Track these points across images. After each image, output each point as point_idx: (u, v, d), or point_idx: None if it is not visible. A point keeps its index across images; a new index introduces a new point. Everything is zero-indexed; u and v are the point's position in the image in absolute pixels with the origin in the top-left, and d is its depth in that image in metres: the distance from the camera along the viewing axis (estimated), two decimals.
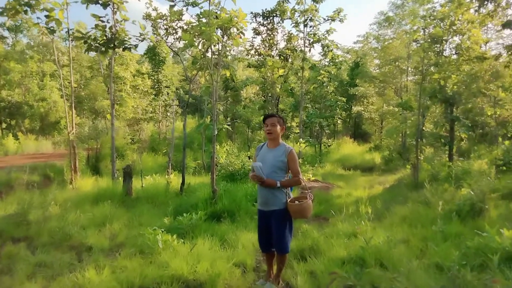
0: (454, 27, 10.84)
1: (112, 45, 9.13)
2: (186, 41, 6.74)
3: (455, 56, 11.51)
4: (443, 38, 10.77)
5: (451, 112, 9.39)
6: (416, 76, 24.52)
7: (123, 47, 9.08)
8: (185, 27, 7.55)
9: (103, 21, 9.03)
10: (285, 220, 3.67)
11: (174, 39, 8.32)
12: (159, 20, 8.22)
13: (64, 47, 28.60)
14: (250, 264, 4.39)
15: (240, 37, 6.63)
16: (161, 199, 7.76)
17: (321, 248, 4.62)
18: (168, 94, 24.08)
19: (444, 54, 11.51)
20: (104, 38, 9.11)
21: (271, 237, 3.74)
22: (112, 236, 5.42)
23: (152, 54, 22.27)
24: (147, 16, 8.48)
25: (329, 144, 22.74)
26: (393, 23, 26.18)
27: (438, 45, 10.94)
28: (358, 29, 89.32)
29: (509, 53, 14.59)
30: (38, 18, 8.57)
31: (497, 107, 16.92)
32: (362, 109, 29.15)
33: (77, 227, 5.44)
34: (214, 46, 7.55)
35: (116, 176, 9.40)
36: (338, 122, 28.10)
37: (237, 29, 6.81)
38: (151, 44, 22.50)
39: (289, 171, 3.72)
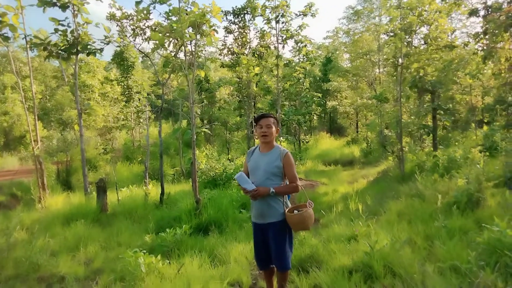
0: (422, 17, 10.84)
1: (75, 50, 8.46)
2: (156, 42, 6.22)
3: (424, 46, 11.53)
4: (412, 29, 10.74)
5: (432, 100, 9.25)
6: (387, 68, 24.82)
7: (87, 51, 8.41)
8: (153, 27, 7.01)
9: (63, 25, 8.35)
10: (284, 233, 3.25)
11: (142, 40, 7.75)
12: (124, 21, 7.63)
13: (25, 58, 27.21)
14: (247, 282, 3.95)
15: (214, 34, 6.16)
16: (140, 213, 7.19)
17: (322, 256, 4.23)
18: (139, 100, 23.23)
19: (413, 44, 11.52)
20: (66, 43, 8.42)
21: (269, 252, 3.30)
22: (88, 262, 4.85)
23: (120, 59, 21.36)
24: (111, 17, 7.86)
25: (307, 140, 22.60)
26: (362, 17, 26.35)
27: (407, 36, 10.93)
28: (327, 25, 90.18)
29: (476, 40, 14.81)
30: None
31: (465, 94, 17.19)
32: (337, 103, 29.22)
33: (47, 254, 4.82)
34: (187, 45, 7.06)
35: (89, 191, 8.73)
36: (314, 118, 28.08)
37: (210, 26, 6.33)
38: (119, 49, 21.66)
39: (285, 177, 3.30)
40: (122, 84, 22.03)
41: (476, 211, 5.24)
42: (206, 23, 5.90)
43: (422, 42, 12.26)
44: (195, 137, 6.47)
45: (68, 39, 8.45)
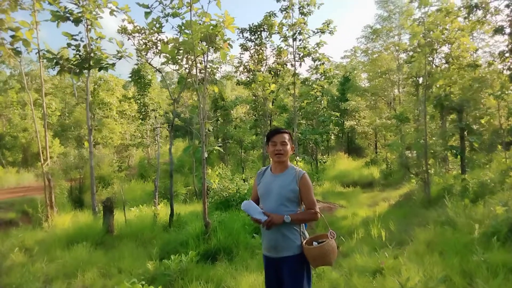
0: (443, 36, 10.39)
1: (87, 65, 8.30)
2: (167, 55, 5.94)
3: (445, 66, 11.03)
4: (433, 48, 10.31)
5: (460, 120, 8.66)
6: (406, 88, 24.23)
7: (99, 66, 8.24)
8: (165, 40, 6.80)
9: (76, 40, 8.23)
10: (301, 270, 2.75)
11: (154, 53, 7.53)
12: (136, 35, 7.44)
13: (47, 76, 27.79)
14: None
15: (228, 46, 5.84)
16: (147, 235, 6.77)
17: None
18: (155, 118, 23.23)
19: (434, 63, 11.03)
20: (78, 57, 8.28)
21: None
22: None
23: (137, 77, 21.49)
24: (123, 30, 7.68)
25: (324, 160, 22.01)
26: (380, 35, 25.98)
27: (428, 55, 10.49)
28: (344, 45, 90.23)
29: (502, 59, 14.17)
30: (2, 39, 7.71)
31: (488, 115, 16.39)
32: (355, 123, 28.63)
33: (40, 281, 4.43)
34: (199, 58, 6.78)
35: (97, 210, 8.39)
36: (332, 137, 27.51)
37: (223, 39, 6.02)
38: (136, 66, 21.83)
39: (302, 202, 2.83)
40: (139, 101, 22.12)
41: None
42: (219, 35, 5.60)
43: (444, 62, 11.79)
44: (205, 155, 6.07)
45: (81, 54, 8.31)
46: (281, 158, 2.84)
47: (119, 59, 8.19)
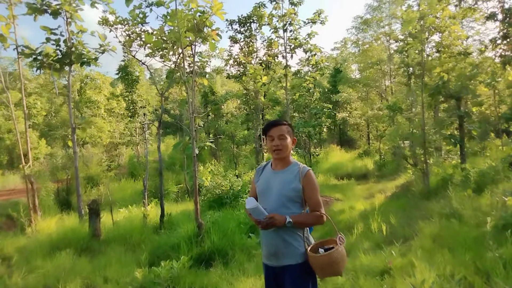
0: (434, 25, 10.14)
1: (68, 61, 7.83)
2: (152, 45, 5.53)
3: (436, 55, 10.79)
4: (424, 37, 10.06)
5: (458, 108, 8.40)
6: (396, 79, 24.05)
7: (81, 61, 7.78)
8: (150, 31, 6.38)
9: (55, 34, 7.74)
10: (306, 280, 2.40)
11: (138, 45, 7.09)
12: (119, 26, 6.99)
13: (32, 75, 27.02)
14: None
15: (217, 35, 5.44)
16: (136, 238, 6.38)
17: None
18: (144, 115, 22.69)
19: (425, 52, 10.80)
20: (59, 53, 7.80)
21: None
22: None
23: (125, 73, 20.89)
24: (104, 22, 7.22)
25: (317, 153, 21.77)
26: (371, 25, 25.75)
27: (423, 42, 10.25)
28: (334, 37, 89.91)
29: (493, 46, 13.99)
30: None
31: (480, 103, 16.23)
32: (347, 115, 28.42)
33: None
34: (187, 52, 6.39)
35: (84, 213, 7.96)
36: (324, 130, 27.27)
37: (211, 28, 5.62)
38: (123, 63, 21.22)
39: (306, 203, 2.49)
40: (127, 99, 21.57)
41: None
42: (207, 23, 5.20)
43: (435, 51, 11.54)
44: (196, 152, 5.70)
45: (61, 49, 7.83)
46: (280, 154, 2.48)
47: (102, 53, 7.74)
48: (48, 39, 7.71)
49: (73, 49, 7.83)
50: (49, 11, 7.51)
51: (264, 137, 2.57)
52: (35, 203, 8.24)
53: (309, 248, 2.42)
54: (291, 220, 2.34)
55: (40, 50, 7.80)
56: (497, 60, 12.38)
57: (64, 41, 7.86)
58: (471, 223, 5.07)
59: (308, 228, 2.53)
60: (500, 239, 4.28)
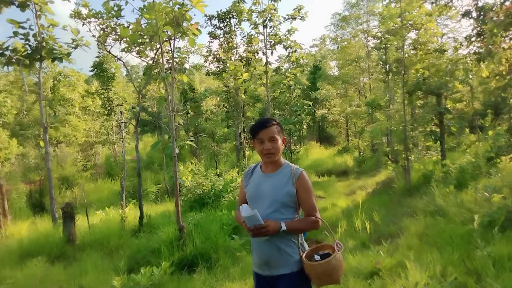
0: (411, 22, 10.26)
1: (39, 56, 7.40)
2: (128, 40, 5.24)
3: (413, 52, 10.94)
4: (405, 33, 10.15)
5: (439, 104, 8.45)
6: (373, 75, 24.32)
7: (52, 57, 7.37)
8: (126, 24, 6.07)
9: (24, 28, 7.30)
10: None
11: (113, 40, 6.76)
12: (92, 20, 6.64)
13: (1, 72, 25.85)
14: None
15: (197, 29, 5.20)
16: (114, 242, 6.09)
17: None
18: (121, 113, 22.10)
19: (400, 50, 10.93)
20: (28, 48, 7.37)
21: None
22: None
23: (100, 70, 20.23)
24: (76, 15, 6.85)
25: (297, 150, 21.77)
26: (350, 22, 25.92)
27: (394, 42, 10.33)
28: (313, 34, 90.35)
29: (468, 42, 14.27)
30: None
31: (453, 99, 16.57)
32: (326, 112, 28.56)
33: None
34: (166, 48, 6.12)
35: (57, 217, 7.58)
36: (304, 127, 27.35)
37: (190, 22, 5.37)
38: (98, 59, 20.56)
39: (299, 207, 2.32)
40: (102, 96, 20.93)
41: None
42: (186, 16, 4.95)
43: (411, 48, 11.70)
44: (176, 151, 5.46)
45: (31, 44, 7.40)
46: (272, 157, 2.29)
47: (75, 48, 7.35)
48: (16, 33, 7.26)
49: (43, 44, 7.41)
50: (16, 3, 7.08)
51: (252, 139, 2.37)
52: (4, 207, 7.80)
53: (304, 255, 2.26)
54: (285, 228, 2.17)
55: (7, 45, 7.35)
56: (471, 57, 12.62)
57: (34, 36, 7.43)
58: (457, 220, 5.05)
59: (302, 234, 2.37)
60: (487, 236, 4.26)
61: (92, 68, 21.01)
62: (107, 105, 21.16)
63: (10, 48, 7.30)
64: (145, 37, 5.77)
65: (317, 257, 2.27)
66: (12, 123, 24.00)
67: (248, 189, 2.39)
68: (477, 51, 13.54)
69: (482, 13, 14.68)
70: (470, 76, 13.28)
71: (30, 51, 7.43)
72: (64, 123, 20.20)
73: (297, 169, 2.31)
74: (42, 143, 7.69)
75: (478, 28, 13.80)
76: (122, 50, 6.03)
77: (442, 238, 4.64)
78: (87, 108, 23.89)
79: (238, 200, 2.59)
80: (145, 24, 5.13)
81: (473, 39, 14.42)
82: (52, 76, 23.60)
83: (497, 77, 12.89)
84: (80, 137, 22.17)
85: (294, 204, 2.27)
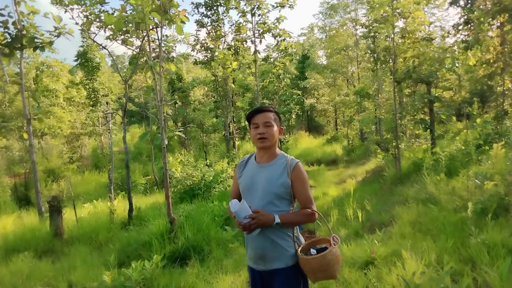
0: (398, 11, 10.23)
1: (19, 45, 7.12)
2: (113, 27, 5.05)
3: (400, 41, 10.95)
4: (395, 21, 10.13)
5: (429, 92, 8.44)
6: (361, 64, 24.30)
7: (34, 46, 7.09)
8: (111, 11, 5.84)
9: (3, 15, 7.00)
10: (297, 284, 2.18)
11: (97, 28, 6.52)
12: (75, 6, 6.38)
13: None
14: None
15: (184, 16, 5.03)
16: (103, 236, 5.96)
17: None
18: (107, 103, 21.68)
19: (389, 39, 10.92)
20: (8, 36, 7.08)
21: None
22: None
23: (84, 60, 19.75)
24: (58, 1, 6.56)
25: (286, 140, 21.75)
26: (338, 11, 25.79)
27: (384, 31, 10.29)
28: (301, 23, 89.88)
29: (456, 31, 14.35)
30: None
31: (442, 87, 16.70)
32: (315, 101, 28.54)
33: None
34: (152, 36, 5.94)
35: (44, 210, 7.39)
36: (293, 116, 27.32)
37: (177, 9, 5.20)
38: (82, 49, 20.06)
39: (295, 199, 2.25)
40: (87, 87, 20.48)
41: (510, 218, 4.35)
42: (173, 2, 4.78)
43: (399, 36, 11.71)
44: (166, 142, 5.32)
45: (10, 32, 7.11)
46: (265, 142, 2.21)
47: (58, 36, 7.07)
48: None
49: (24, 32, 7.12)
50: None
51: (248, 124, 2.28)
52: None
53: (299, 249, 2.19)
54: (279, 221, 2.09)
55: None
56: (459, 45, 12.67)
57: (13, 23, 7.13)
58: (449, 208, 5.06)
59: (297, 227, 2.30)
60: (480, 224, 4.27)
61: (76, 58, 20.54)
62: (92, 95, 20.74)
63: None
64: (131, 24, 5.57)
65: (313, 251, 2.21)
66: None
67: (241, 181, 2.30)
68: (464, 39, 13.63)
69: (469, 1, 14.74)
70: (457, 65, 13.35)
71: (10, 40, 7.14)
72: (49, 114, 19.77)
73: (292, 160, 2.22)
74: (25, 135, 7.45)
75: (466, 17, 13.86)
76: (107, 38, 5.81)
77: (435, 226, 4.64)
78: (72, 99, 23.40)
79: (231, 192, 2.50)
80: (131, 11, 4.94)
81: (460, 27, 14.50)
82: (34, 66, 23.00)
83: (484, 65, 12.99)
84: (65, 128, 21.74)
85: (289, 196, 2.19)
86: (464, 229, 4.21)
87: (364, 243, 4.32)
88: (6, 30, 7.09)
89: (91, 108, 21.14)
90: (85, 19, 6.37)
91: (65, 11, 6.54)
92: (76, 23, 6.50)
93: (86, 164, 20.37)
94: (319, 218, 2.31)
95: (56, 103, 21.88)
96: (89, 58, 19.55)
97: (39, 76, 22.69)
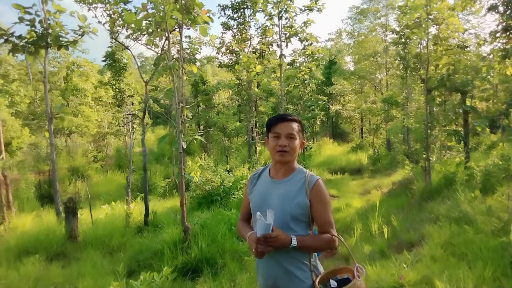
0: (431, 16, 9.74)
1: (45, 43, 7.14)
2: (133, 25, 4.91)
3: (432, 48, 10.44)
4: (429, 26, 9.67)
5: (464, 102, 7.92)
6: (390, 72, 23.59)
7: (58, 44, 7.09)
8: (133, 10, 5.74)
9: (30, 13, 7.03)
10: None
11: (119, 26, 6.43)
12: (99, 5, 6.32)
13: (15, 61, 25.94)
14: None
15: (208, 16, 4.83)
16: (117, 241, 5.81)
17: None
18: (133, 104, 21.94)
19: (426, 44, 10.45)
20: (34, 35, 7.10)
21: None
22: None
23: (112, 60, 20.07)
24: None
25: (310, 146, 21.33)
26: (368, 15, 25.23)
27: (416, 36, 9.82)
28: (329, 28, 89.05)
29: (493, 38, 13.59)
30: None
31: (479, 98, 15.89)
32: (340, 108, 27.98)
33: None
34: (176, 38, 5.77)
35: (62, 210, 7.34)
36: (317, 123, 26.87)
37: (200, 9, 5.00)
38: (110, 49, 20.40)
39: (313, 222, 1.95)
40: (114, 87, 20.80)
41: None
42: (196, 1, 4.59)
43: (432, 43, 11.22)
44: (182, 147, 5.12)
45: (37, 31, 7.13)
46: (286, 157, 1.91)
47: (82, 35, 7.05)
48: (21, 19, 7.00)
49: (50, 30, 7.14)
50: None
51: (267, 133, 2.00)
52: (8, 199, 7.60)
53: (317, 280, 1.89)
54: (296, 243, 1.80)
55: (13, 30, 7.10)
56: (496, 54, 12.02)
57: (40, 22, 7.16)
58: (486, 230, 4.59)
59: (315, 254, 1.99)
60: None
61: (104, 58, 20.92)
62: (118, 96, 21.05)
63: (15, 34, 7.06)
64: (152, 23, 5.42)
65: (333, 283, 1.90)
66: (25, 112, 24.13)
67: (252, 197, 2.01)
68: (502, 47, 12.89)
69: (509, 7, 13.95)
70: (492, 74, 12.65)
71: (36, 38, 7.16)
72: (77, 113, 20.17)
73: (312, 176, 1.91)
74: (47, 134, 7.45)
75: (504, 24, 13.12)
76: (127, 37, 5.71)
77: (470, 250, 4.20)
78: (100, 99, 23.87)
79: (240, 209, 2.21)
80: (151, 8, 4.79)
81: (498, 34, 13.73)
82: (65, 66, 23.61)
83: None
84: (92, 127, 22.16)
85: (306, 218, 1.89)
86: (505, 255, 3.77)
87: (391, 266, 3.95)
88: (33, 28, 7.12)
89: (117, 108, 21.45)
90: (108, 18, 6.32)
91: (88, 9, 6.50)
92: (99, 22, 6.44)
93: (110, 164, 20.63)
94: (340, 243, 2.00)
95: (85, 102, 22.35)
96: (117, 59, 19.84)
97: (69, 75, 23.27)
